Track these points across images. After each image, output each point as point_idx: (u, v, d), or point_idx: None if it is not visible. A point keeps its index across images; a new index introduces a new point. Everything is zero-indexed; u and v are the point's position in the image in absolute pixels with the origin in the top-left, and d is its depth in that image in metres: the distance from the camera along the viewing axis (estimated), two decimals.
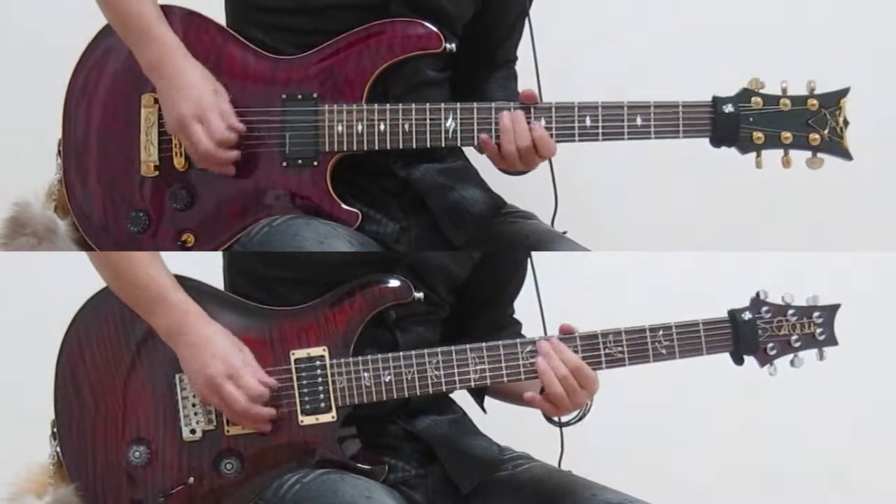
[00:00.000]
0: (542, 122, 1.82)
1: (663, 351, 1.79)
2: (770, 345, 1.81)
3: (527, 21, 1.96)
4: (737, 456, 2.61)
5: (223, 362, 1.73)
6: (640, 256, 2.56)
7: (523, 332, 1.97)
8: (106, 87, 1.90)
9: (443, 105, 1.83)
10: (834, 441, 2.61)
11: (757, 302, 1.81)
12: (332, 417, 1.77)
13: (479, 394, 1.94)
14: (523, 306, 1.97)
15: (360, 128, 1.84)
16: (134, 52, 1.85)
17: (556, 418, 1.83)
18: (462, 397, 1.91)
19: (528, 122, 1.81)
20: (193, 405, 1.78)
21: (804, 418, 2.60)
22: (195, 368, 1.74)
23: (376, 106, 1.83)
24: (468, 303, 1.93)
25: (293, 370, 1.77)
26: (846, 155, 1.81)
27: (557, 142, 1.82)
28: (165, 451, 1.78)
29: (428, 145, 1.83)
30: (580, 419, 1.83)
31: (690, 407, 2.58)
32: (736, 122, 1.81)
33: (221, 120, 1.82)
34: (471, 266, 1.90)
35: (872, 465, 2.62)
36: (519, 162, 1.83)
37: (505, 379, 1.78)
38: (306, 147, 1.84)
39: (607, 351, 1.78)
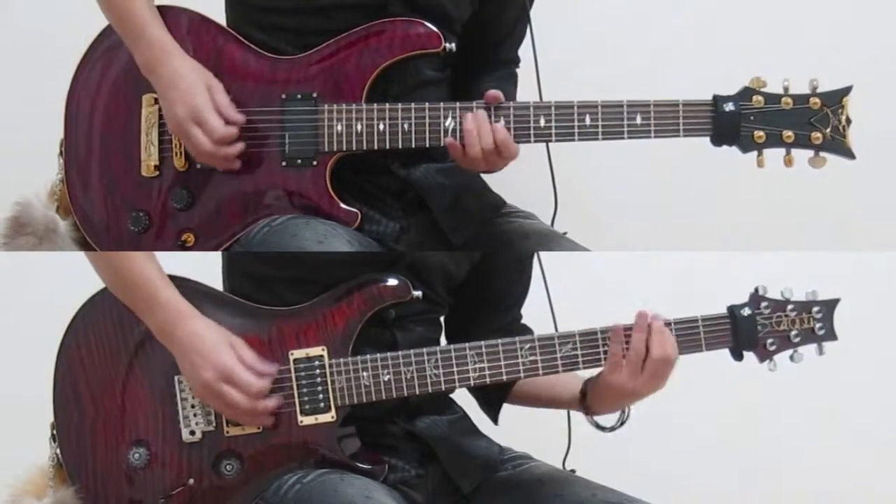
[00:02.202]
0: (502, 122, 1.81)
1: None
2: (769, 340, 1.80)
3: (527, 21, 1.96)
4: (736, 456, 2.61)
5: (214, 366, 1.72)
6: (640, 256, 2.55)
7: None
8: (107, 88, 1.90)
9: (442, 105, 1.82)
10: (834, 441, 2.61)
11: (756, 297, 1.80)
12: (332, 417, 1.77)
13: (493, 408, 1.94)
14: (532, 306, 1.96)
15: (359, 127, 1.83)
16: (132, 52, 1.85)
17: (599, 423, 1.84)
18: (462, 397, 1.91)
19: (491, 124, 1.80)
20: (193, 406, 1.77)
21: (805, 418, 2.60)
22: (189, 371, 1.74)
23: (375, 105, 1.83)
24: (468, 303, 1.93)
25: (292, 370, 1.77)
26: (849, 154, 1.80)
27: (557, 141, 1.82)
28: (165, 452, 1.77)
29: (427, 145, 1.83)
30: (621, 425, 1.84)
31: (690, 406, 2.57)
32: (737, 121, 1.80)
33: (218, 117, 1.82)
34: (469, 265, 1.89)
35: (873, 464, 2.61)
36: (483, 164, 1.81)
37: (504, 377, 1.78)
38: (306, 147, 1.84)
39: (606, 348, 1.77)
